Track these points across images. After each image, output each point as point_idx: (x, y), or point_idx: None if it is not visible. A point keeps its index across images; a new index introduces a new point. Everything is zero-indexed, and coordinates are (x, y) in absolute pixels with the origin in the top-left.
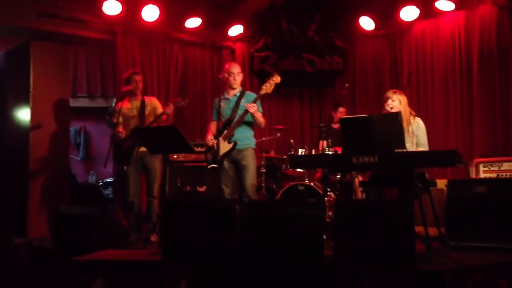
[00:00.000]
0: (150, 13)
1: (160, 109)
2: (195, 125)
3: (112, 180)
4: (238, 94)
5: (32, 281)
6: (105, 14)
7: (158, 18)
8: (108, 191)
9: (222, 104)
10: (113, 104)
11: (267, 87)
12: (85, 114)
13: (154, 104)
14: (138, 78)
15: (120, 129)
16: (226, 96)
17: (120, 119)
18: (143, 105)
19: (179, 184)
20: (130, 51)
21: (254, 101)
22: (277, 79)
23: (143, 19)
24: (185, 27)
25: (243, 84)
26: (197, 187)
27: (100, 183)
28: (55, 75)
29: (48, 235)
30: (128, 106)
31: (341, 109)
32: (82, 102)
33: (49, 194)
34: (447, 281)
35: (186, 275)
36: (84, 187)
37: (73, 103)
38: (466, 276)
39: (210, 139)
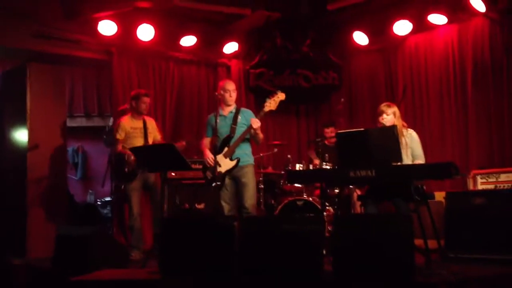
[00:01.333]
0: (146, 33)
1: (157, 132)
2: (192, 143)
3: (110, 199)
4: (234, 111)
5: None
6: (101, 34)
7: (153, 38)
8: (106, 210)
9: (218, 121)
10: (110, 123)
11: (271, 104)
12: (83, 134)
13: (153, 125)
14: (148, 100)
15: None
16: (222, 113)
17: (122, 136)
18: (145, 125)
19: (177, 202)
20: (126, 71)
21: (261, 117)
22: (282, 96)
23: (138, 39)
24: (180, 45)
25: (239, 101)
26: (195, 204)
27: (98, 202)
28: (51, 95)
29: (47, 256)
30: (131, 125)
31: (330, 129)
32: (79, 122)
33: (47, 215)
34: None
35: None
36: (82, 206)
37: (70, 122)
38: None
39: (211, 158)
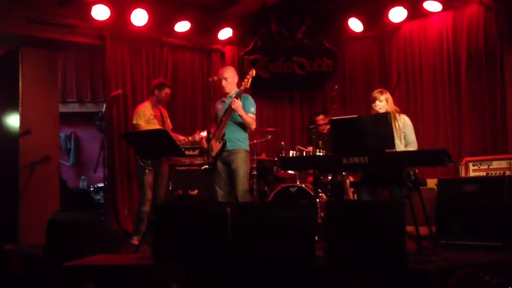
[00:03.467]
0: (139, 18)
1: (168, 123)
2: (186, 129)
3: (103, 185)
4: (233, 95)
5: (23, 287)
6: (94, 19)
7: (147, 23)
8: (99, 196)
9: (220, 106)
10: (103, 109)
11: (245, 82)
12: (75, 119)
13: (166, 115)
14: (169, 92)
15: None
16: (224, 99)
17: (142, 122)
18: (161, 114)
19: (170, 188)
20: (119, 56)
21: (237, 96)
22: (252, 73)
23: (132, 24)
24: (174, 31)
25: None
26: (188, 190)
27: (91, 188)
28: (44, 81)
29: (40, 242)
30: (151, 112)
31: (321, 117)
32: (72, 107)
33: (39, 200)
34: (432, 279)
35: (178, 279)
36: (75, 192)
37: (63, 108)
38: (452, 273)
39: (203, 141)
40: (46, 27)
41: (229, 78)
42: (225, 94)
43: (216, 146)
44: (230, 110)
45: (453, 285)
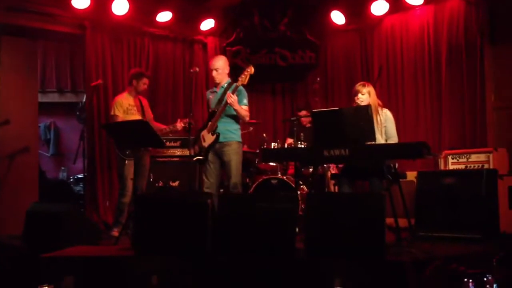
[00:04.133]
0: (120, 7)
1: (149, 112)
2: (167, 119)
3: (83, 176)
4: (225, 85)
5: (2, 278)
6: (74, 7)
7: (128, 12)
8: (79, 188)
9: (211, 96)
10: (84, 100)
11: (243, 79)
12: (55, 110)
13: (147, 104)
14: (148, 82)
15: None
16: (215, 89)
17: (119, 113)
18: (141, 103)
19: (151, 180)
20: (100, 45)
21: (233, 91)
22: (251, 70)
23: (113, 13)
24: (156, 21)
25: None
26: (169, 182)
27: (71, 179)
28: (23, 70)
29: (18, 233)
30: (129, 102)
31: (303, 112)
32: (51, 97)
33: (18, 191)
34: (407, 270)
35: (158, 271)
36: (54, 183)
37: (42, 98)
38: (429, 265)
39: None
40: (25, 15)
41: (220, 69)
42: (216, 84)
43: (209, 138)
44: (225, 104)
45: (429, 276)
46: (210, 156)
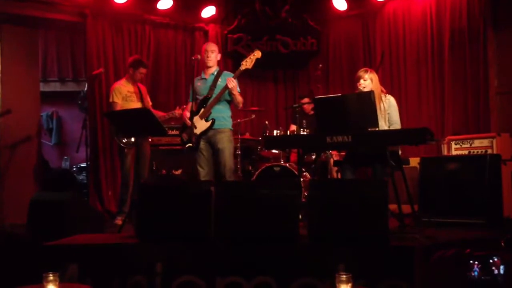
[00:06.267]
0: None
1: (147, 100)
2: (169, 108)
3: (85, 165)
4: (215, 73)
5: (6, 267)
6: None
7: (128, 0)
8: (82, 176)
9: (199, 84)
10: (85, 88)
11: (248, 62)
12: (57, 99)
13: (145, 91)
14: (144, 71)
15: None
16: (203, 76)
17: (118, 100)
18: (140, 91)
19: (154, 168)
20: (100, 34)
21: (236, 75)
22: (258, 54)
23: (113, 1)
24: (157, 8)
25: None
26: (172, 170)
27: (74, 168)
28: (24, 59)
29: (22, 222)
30: (128, 89)
31: (305, 100)
32: (53, 87)
33: (21, 181)
34: (415, 256)
35: (162, 258)
36: (57, 172)
37: (44, 87)
38: (434, 250)
39: (187, 119)
40: (25, 4)
41: (215, 52)
42: (205, 70)
43: (202, 124)
44: (223, 89)
45: (435, 261)
46: (202, 144)
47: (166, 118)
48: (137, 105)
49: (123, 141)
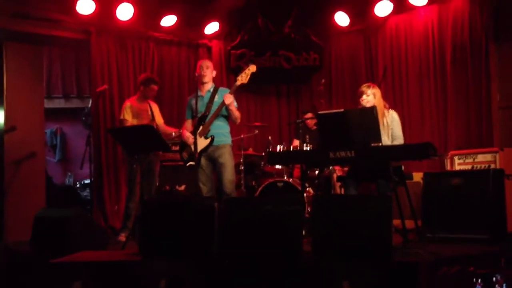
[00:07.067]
0: (125, 12)
1: (160, 117)
2: (173, 123)
3: (89, 181)
4: (211, 90)
5: (11, 284)
6: (79, 13)
7: (133, 17)
8: (85, 193)
9: (195, 101)
10: (89, 105)
11: (243, 77)
12: (61, 115)
13: (157, 109)
14: (156, 88)
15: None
16: (199, 93)
17: (129, 117)
18: (151, 108)
19: (158, 184)
20: (105, 51)
21: (232, 91)
22: (252, 68)
23: (117, 18)
24: (160, 25)
25: (219, 81)
26: (176, 186)
27: (78, 185)
28: (29, 76)
29: (26, 239)
30: (139, 107)
31: (308, 115)
32: (57, 103)
33: (25, 197)
34: (421, 272)
35: (166, 274)
36: (61, 188)
37: (48, 104)
38: (439, 266)
39: (188, 136)
40: (30, 21)
41: (210, 68)
42: (201, 88)
43: (202, 142)
44: (221, 105)
45: (438, 277)
46: (203, 161)
47: (176, 135)
48: (148, 122)
49: (135, 157)
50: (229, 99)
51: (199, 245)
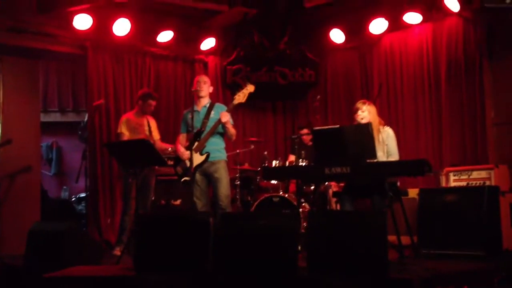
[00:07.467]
0: (122, 27)
1: (157, 132)
2: (169, 138)
3: (84, 195)
4: (207, 105)
5: None
6: (76, 28)
7: (129, 32)
8: (81, 207)
9: (191, 116)
10: (85, 119)
11: (240, 97)
12: (57, 129)
13: (154, 125)
14: (154, 103)
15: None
16: (196, 108)
17: (126, 131)
18: (148, 124)
19: (153, 198)
20: (101, 65)
21: (229, 110)
22: (250, 88)
23: (114, 34)
24: (157, 41)
25: (215, 97)
26: (171, 200)
27: (73, 199)
28: (25, 90)
29: (20, 253)
30: (137, 121)
31: (304, 131)
32: (53, 117)
33: (20, 211)
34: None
35: None
36: (56, 202)
37: (44, 118)
38: (434, 283)
39: (183, 152)
40: (26, 36)
41: (207, 83)
42: (197, 103)
43: (198, 158)
44: (217, 122)
45: None
46: (197, 176)
47: (170, 151)
48: (144, 137)
49: (130, 171)
50: (226, 117)
51: (194, 260)
